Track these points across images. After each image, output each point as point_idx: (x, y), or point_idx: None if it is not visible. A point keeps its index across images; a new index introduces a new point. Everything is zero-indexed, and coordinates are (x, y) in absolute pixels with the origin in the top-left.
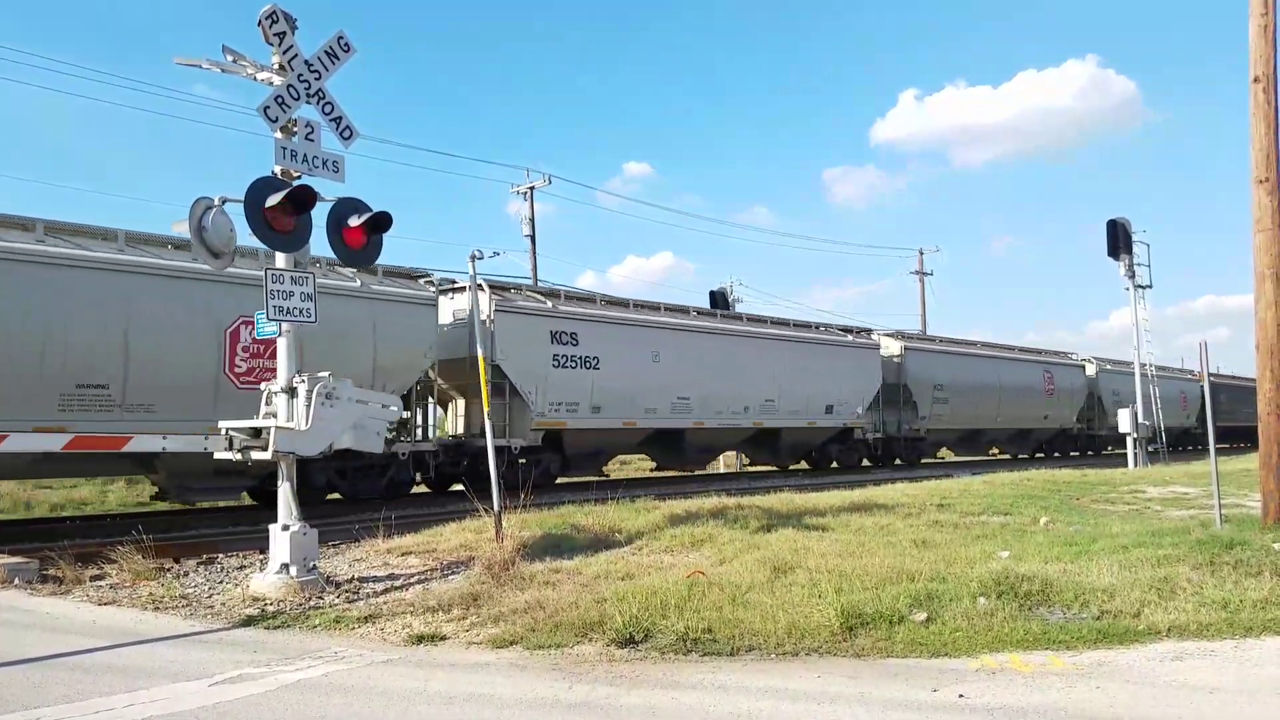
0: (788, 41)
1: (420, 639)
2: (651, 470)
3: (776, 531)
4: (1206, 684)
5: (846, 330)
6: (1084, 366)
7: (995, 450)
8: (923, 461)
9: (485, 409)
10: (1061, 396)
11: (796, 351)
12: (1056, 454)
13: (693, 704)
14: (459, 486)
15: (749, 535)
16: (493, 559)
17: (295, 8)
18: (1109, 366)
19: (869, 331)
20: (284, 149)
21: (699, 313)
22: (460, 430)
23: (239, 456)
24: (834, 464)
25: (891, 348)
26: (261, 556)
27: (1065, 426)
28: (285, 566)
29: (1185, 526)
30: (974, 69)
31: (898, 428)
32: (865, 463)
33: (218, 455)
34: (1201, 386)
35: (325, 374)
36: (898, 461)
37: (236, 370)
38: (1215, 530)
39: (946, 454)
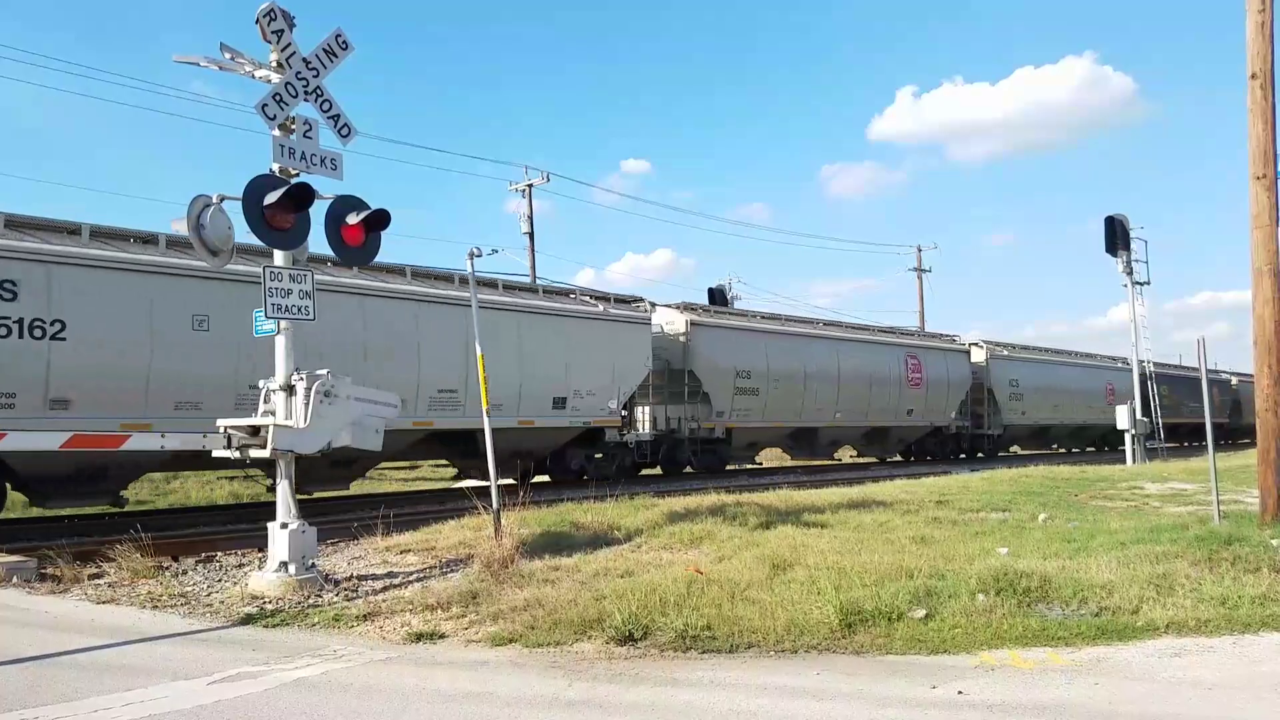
0: (786, 39)
1: (419, 637)
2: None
3: (775, 528)
4: (1205, 680)
5: (601, 297)
6: (969, 352)
7: (854, 453)
8: (729, 469)
9: (484, 404)
10: (934, 388)
11: (503, 322)
12: (930, 456)
13: (692, 701)
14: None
15: (748, 532)
16: (491, 557)
17: (294, 6)
18: (1004, 352)
19: (638, 301)
20: (282, 147)
21: (332, 263)
22: None
23: (237, 454)
24: (584, 476)
25: (675, 323)
26: (260, 555)
27: (940, 424)
28: (284, 565)
29: (1184, 523)
30: (972, 66)
31: (685, 426)
32: (656, 471)
33: (216, 453)
34: (1145, 382)
35: (324, 371)
36: (688, 470)
37: None
38: (1214, 526)
39: (778, 456)
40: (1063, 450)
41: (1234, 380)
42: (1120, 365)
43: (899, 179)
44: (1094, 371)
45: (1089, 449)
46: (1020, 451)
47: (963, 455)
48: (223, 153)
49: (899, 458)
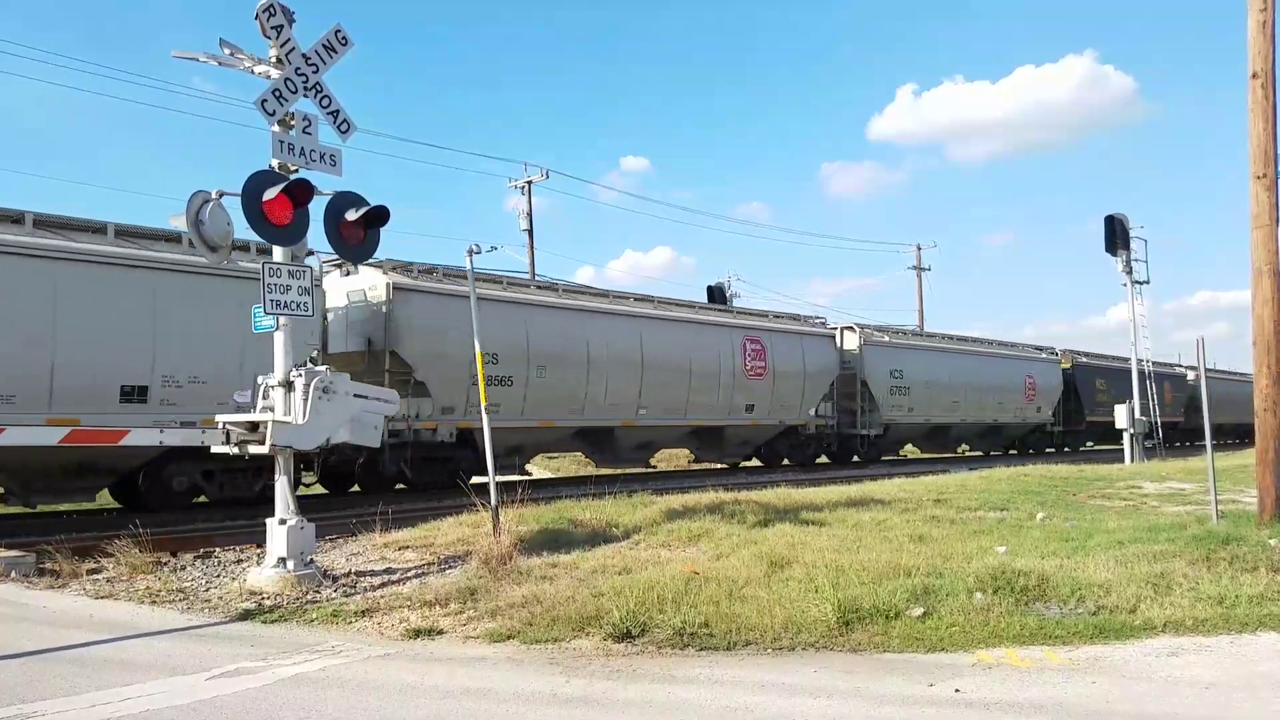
0: (786, 38)
1: (417, 633)
2: None
3: (773, 526)
4: (1202, 679)
5: (240, 247)
6: (836, 337)
7: (690, 456)
8: (479, 482)
9: (483, 400)
10: (784, 379)
11: (26, 274)
12: (787, 461)
13: (689, 698)
14: None
15: (746, 530)
16: (490, 553)
17: (294, 2)
18: (884, 338)
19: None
20: (281, 142)
21: None
22: None
23: (236, 450)
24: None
25: (375, 287)
26: (259, 551)
27: (794, 423)
28: (282, 560)
29: (1181, 522)
30: (972, 64)
31: (402, 428)
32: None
33: (215, 449)
34: (1143, 381)
35: (323, 368)
36: (400, 486)
37: None
38: (1211, 526)
39: (561, 464)
40: (978, 454)
41: (1190, 375)
42: (1046, 356)
43: (899, 178)
44: (1009, 363)
45: (1011, 452)
46: (918, 454)
47: (823, 459)
48: (223, 149)
49: (758, 462)
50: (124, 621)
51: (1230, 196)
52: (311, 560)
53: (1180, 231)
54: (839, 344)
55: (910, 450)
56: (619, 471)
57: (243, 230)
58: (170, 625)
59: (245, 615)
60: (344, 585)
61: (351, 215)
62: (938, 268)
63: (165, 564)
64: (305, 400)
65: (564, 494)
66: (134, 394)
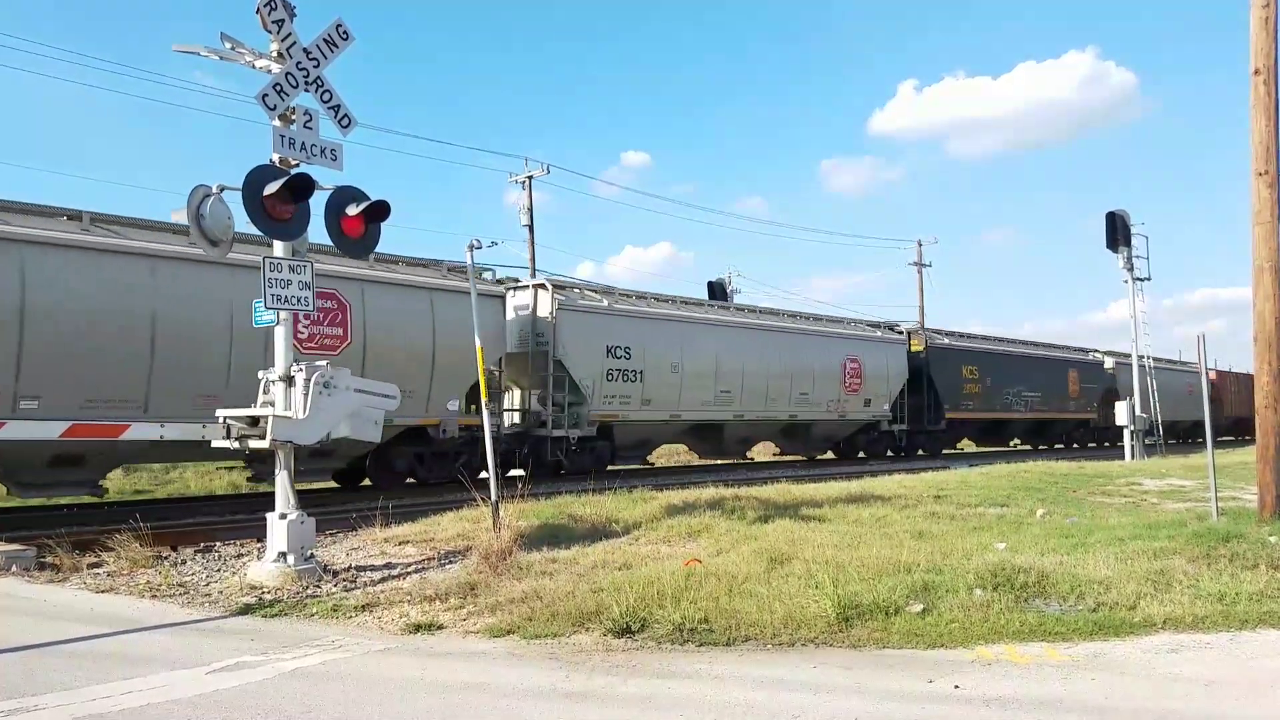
0: (786, 32)
1: (417, 628)
2: None
3: (773, 522)
4: (1202, 676)
5: None
6: (509, 296)
7: (249, 473)
8: None
9: (484, 398)
10: (392, 362)
11: None
12: (412, 480)
13: (689, 694)
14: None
15: (746, 526)
16: (490, 548)
17: None
18: (600, 301)
19: None
20: (282, 137)
21: None
22: None
23: (236, 445)
24: None
25: None
26: (259, 545)
27: (422, 423)
28: (283, 555)
29: (1182, 519)
30: (973, 60)
31: None
32: None
33: (215, 444)
34: (1144, 377)
35: (323, 362)
36: None
37: None
38: (1212, 523)
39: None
40: (799, 458)
41: (1110, 363)
42: (882, 335)
43: (899, 174)
44: (819, 343)
45: (846, 457)
46: (696, 461)
47: (518, 472)
48: (223, 144)
49: (333, 482)
50: (124, 615)
51: (1231, 193)
52: (312, 555)
53: (1180, 228)
54: (530, 308)
55: (685, 456)
56: (619, 468)
57: (243, 224)
58: (170, 619)
59: (245, 609)
60: (344, 580)
61: (353, 210)
62: (937, 264)
63: (166, 558)
64: (306, 395)
65: (564, 489)
66: None
